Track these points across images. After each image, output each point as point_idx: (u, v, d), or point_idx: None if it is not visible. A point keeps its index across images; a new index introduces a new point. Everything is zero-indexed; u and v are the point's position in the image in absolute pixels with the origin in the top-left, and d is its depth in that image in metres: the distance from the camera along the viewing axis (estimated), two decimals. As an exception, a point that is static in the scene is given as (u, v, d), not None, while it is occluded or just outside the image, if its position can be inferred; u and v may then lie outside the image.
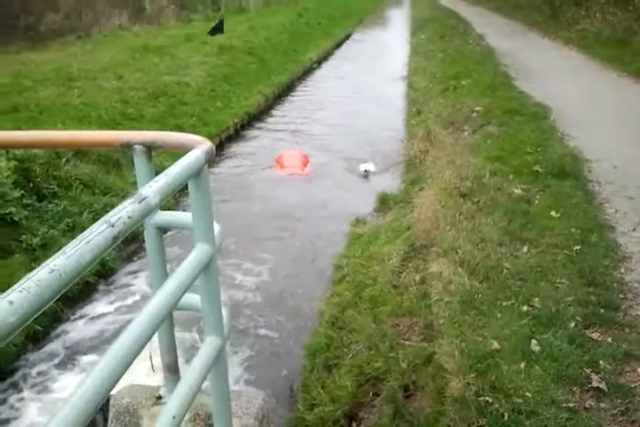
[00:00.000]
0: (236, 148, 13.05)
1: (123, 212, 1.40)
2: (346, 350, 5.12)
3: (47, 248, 6.98)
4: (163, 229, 2.28)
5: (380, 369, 4.56)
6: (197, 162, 1.86)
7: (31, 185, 7.92)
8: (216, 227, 2.09)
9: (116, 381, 1.27)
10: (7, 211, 7.06)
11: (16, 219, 7.14)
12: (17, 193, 7.37)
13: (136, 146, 2.06)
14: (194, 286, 1.90)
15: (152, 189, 1.56)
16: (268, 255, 7.87)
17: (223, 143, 12.85)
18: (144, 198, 1.50)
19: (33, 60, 15.67)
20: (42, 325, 6.14)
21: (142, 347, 1.42)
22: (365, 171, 10.93)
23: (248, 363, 5.80)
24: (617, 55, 14.75)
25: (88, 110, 11.28)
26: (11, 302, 1.01)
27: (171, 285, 1.70)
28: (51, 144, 2.59)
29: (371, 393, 4.54)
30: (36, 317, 1.08)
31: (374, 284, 5.87)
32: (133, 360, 1.38)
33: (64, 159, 8.70)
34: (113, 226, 1.33)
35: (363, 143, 12.72)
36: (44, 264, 1.14)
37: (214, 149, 2.05)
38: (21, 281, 1.07)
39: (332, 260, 7.19)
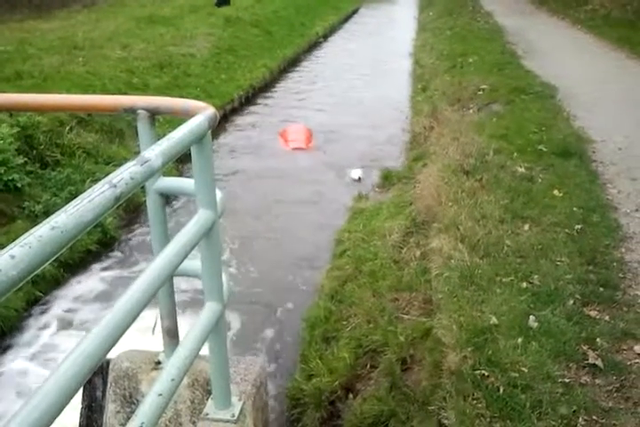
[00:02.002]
0: (239, 120, 13.01)
1: (125, 173, 1.41)
2: (345, 322, 5.14)
3: (49, 215, 6.98)
4: (165, 196, 2.28)
5: (378, 342, 4.59)
6: (200, 127, 1.86)
7: (34, 152, 7.92)
8: (218, 193, 2.09)
9: (114, 343, 1.28)
10: (10, 177, 7.08)
11: (19, 185, 7.15)
12: (20, 160, 7.38)
13: (140, 111, 2.05)
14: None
15: (155, 151, 1.56)
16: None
17: (227, 116, 12.80)
18: (146, 161, 1.50)
19: (38, 28, 15.52)
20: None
21: (141, 310, 1.43)
22: (359, 178, 9.58)
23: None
24: (626, 36, 14.56)
25: (92, 79, 11.22)
26: (12, 256, 1.01)
27: (171, 249, 1.71)
28: (55, 107, 2.58)
29: (368, 366, 4.57)
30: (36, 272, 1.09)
31: (375, 258, 5.87)
32: (132, 323, 1.39)
33: (67, 127, 8.69)
34: (115, 186, 1.33)
35: (366, 118, 12.70)
36: (45, 221, 1.15)
37: (218, 115, 2.04)
38: (23, 236, 1.08)
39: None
